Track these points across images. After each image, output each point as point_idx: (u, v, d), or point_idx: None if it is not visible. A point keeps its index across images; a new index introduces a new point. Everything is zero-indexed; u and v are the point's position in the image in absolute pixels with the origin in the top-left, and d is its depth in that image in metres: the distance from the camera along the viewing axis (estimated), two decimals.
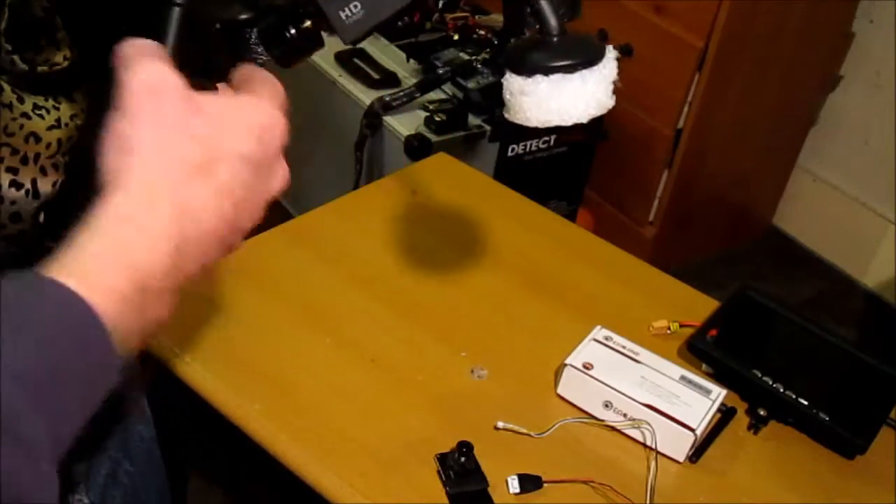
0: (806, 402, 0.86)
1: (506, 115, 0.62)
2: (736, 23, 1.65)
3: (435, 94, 1.59)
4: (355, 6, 0.55)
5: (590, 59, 0.59)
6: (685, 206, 1.92)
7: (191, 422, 0.98)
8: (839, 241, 2.09)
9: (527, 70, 0.59)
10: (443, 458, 0.78)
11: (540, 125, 0.60)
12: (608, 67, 0.59)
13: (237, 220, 0.51)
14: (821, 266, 2.11)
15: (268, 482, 0.99)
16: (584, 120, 0.60)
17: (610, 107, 0.60)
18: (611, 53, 0.60)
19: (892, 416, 0.88)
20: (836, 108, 2.03)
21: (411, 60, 1.68)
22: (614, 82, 0.60)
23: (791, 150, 2.09)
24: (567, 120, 0.59)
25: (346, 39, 0.56)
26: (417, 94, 1.55)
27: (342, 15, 0.55)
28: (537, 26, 0.59)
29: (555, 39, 0.59)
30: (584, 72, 0.58)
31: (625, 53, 1.76)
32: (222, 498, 1.25)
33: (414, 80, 1.59)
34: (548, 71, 0.58)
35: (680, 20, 1.70)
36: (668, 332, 0.97)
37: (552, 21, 0.58)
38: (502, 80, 0.61)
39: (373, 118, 1.55)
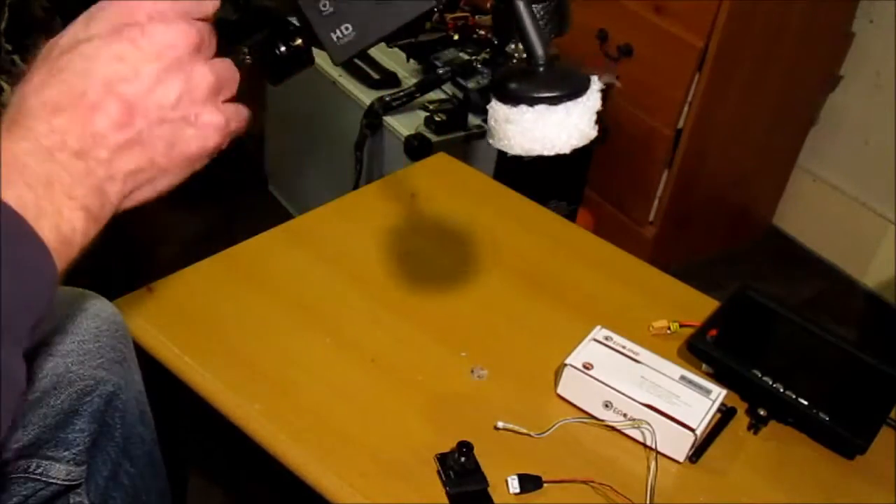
0: (806, 402, 0.86)
1: (490, 141, 0.63)
2: (736, 23, 1.65)
3: (435, 94, 1.59)
4: (346, 28, 0.55)
5: (575, 91, 0.59)
6: (685, 206, 1.92)
7: (191, 422, 0.98)
8: (839, 241, 2.09)
9: (512, 99, 0.59)
10: (443, 458, 0.78)
11: (523, 153, 0.61)
12: (592, 99, 0.60)
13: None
14: (821, 266, 2.10)
15: (268, 482, 0.99)
16: (567, 151, 0.60)
17: (592, 137, 0.61)
18: (595, 85, 0.60)
19: (892, 416, 0.88)
20: (836, 108, 2.03)
21: (411, 60, 1.68)
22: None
23: (791, 150, 2.09)
24: (550, 150, 0.60)
25: (336, 60, 0.56)
26: (417, 94, 1.55)
27: (333, 36, 0.55)
28: (524, 54, 0.60)
29: (541, 69, 0.59)
30: (569, 104, 0.59)
31: (625, 53, 1.77)
32: (222, 498, 1.25)
33: (414, 80, 1.59)
34: (533, 101, 0.58)
35: (680, 20, 1.69)
36: (668, 332, 0.97)
37: (539, 51, 0.59)
38: (487, 107, 0.61)
39: (373, 118, 1.55)
